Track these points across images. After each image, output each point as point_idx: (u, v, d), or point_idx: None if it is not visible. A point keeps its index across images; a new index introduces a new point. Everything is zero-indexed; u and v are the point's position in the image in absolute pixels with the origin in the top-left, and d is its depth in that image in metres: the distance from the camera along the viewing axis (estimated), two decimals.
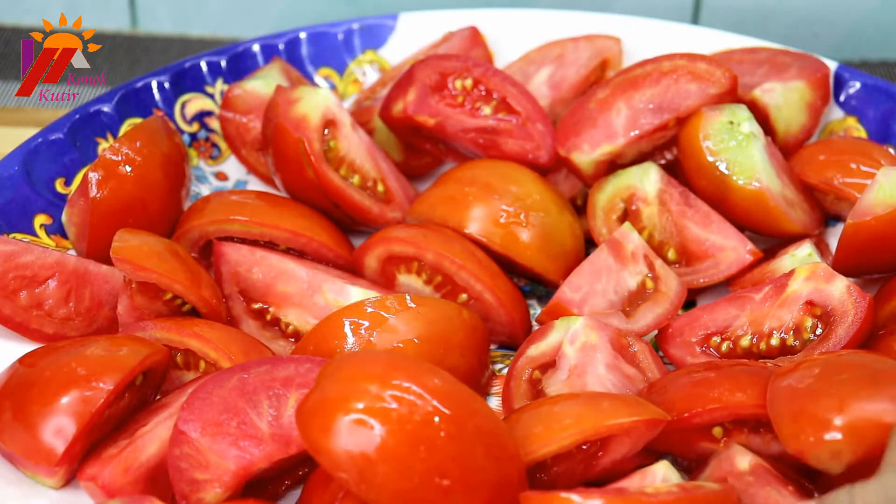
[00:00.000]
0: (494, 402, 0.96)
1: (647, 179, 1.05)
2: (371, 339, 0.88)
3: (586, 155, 1.06)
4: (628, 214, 1.05)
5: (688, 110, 1.05)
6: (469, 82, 1.10)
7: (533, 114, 1.09)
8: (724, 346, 0.95)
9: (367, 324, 0.89)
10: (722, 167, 1.02)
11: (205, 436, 0.79)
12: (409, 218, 1.07)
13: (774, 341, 0.93)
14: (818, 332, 0.92)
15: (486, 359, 0.97)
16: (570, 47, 1.22)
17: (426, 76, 1.10)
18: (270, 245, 1.04)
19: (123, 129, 1.13)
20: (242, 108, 1.14)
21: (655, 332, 0.98)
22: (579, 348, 0.90)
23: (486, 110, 1.10)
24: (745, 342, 0.94)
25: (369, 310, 0.90)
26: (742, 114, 1.03)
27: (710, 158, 1.02)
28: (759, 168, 1.02)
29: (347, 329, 0.89)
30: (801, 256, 1.00)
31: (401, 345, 0.89)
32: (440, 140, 1.12)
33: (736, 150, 1.02)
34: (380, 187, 1.09)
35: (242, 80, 1.17)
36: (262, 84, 1.15)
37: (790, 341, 0.92)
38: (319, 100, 1.07)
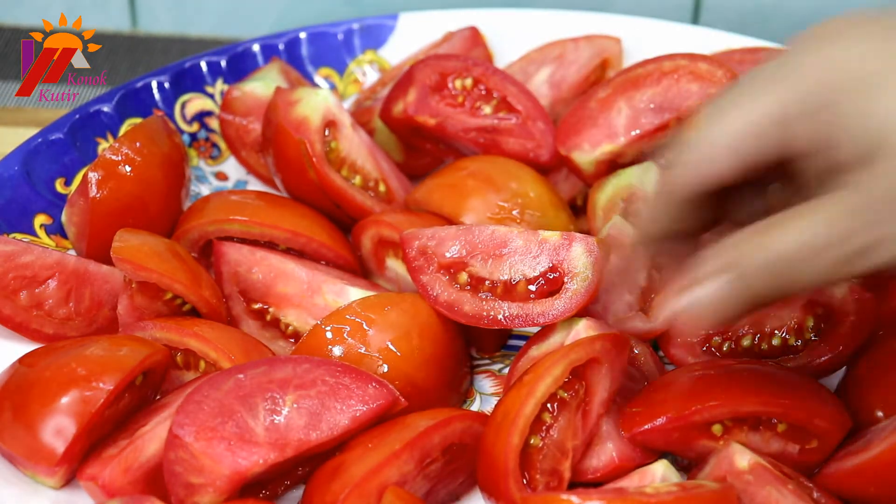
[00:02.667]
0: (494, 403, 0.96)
1: (648, 179, 1.05)
2: (358, 347, 0.90)
3: (587, 154, 1.06)
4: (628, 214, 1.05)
5: (689, 110, 1.05)
6: (469, 82, 1.10)
7: (533, 112, 1.09)
8: (725, 347, 0.95)
9: (350, 329, 0.90)
10: None
11: (199, 440, 0.79)
12: (409, 203, 1.07)
13: (776, 341, 0.93)
14: (820, 331, 0.92)
15: (465, 349, 0.98)
16: (570, 47, 1.22)
17: (426, 76, 1.10)
18: (270, 245, 1.04)
19: (123, 129, 1.13)
20: (242, 109, 1.14)
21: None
22: None
23: (487, 109, 1.10)
24: (746, 342, 0.94)
25: (353, 318, 0.91)
26: None
27: None
28: None
29: (332, 336, 0.90)
30: None
31: (378, 356, 0.90)
32: (441, 140, 1.12)
33: None
34: (381, 187, 1.09)
35: (241, 81, 1.17)
36: (262, 85, 1.15)
37: (792, 341, 0.92)
38: (319, 101, 1.07)
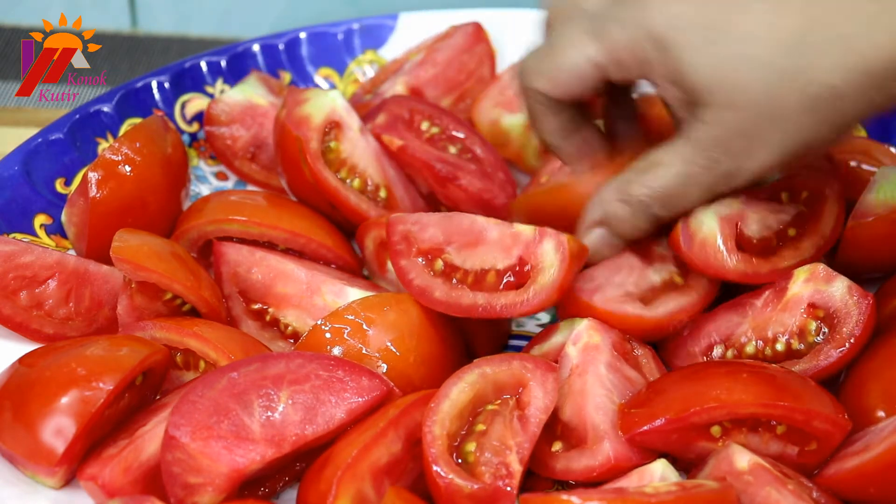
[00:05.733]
0: None
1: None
2: (357, 346, 0.90)
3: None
4: None
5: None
6: (436, 129, 1.11)
7: (495, 164, 1.10)
8: (728, 354, 0.94)
9: (350, 329, 0.90)
10: None
11: (195, 440, 0.79)
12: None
13: (780, 346, 0.92)
14: (823, 334, 0.91)
15: (464, 350, 0.98)
16: None
17: (398, 109, 1.11)
18: (270, 245, 1.04)
19: (123, 129, 1.13)
20: (224, 119, 1.15)
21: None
22: (582, 349, 0.90)
23: (452, 150, 1.11)
24: (749, 349, 0.93)
25: (352, 317, 0.91)
26: None
27: None
28: None
29: (332, 336, 0.90)
30: None
31: (377, 355, 0.90)
32: (403, 165, 1.11)
33: None
34: (382, 193, 1.08)
35: (220, 96, 1.17)
36: (238, 92, 1.15)
37: (795, 345, 0.92)
38: (326, 101, 1.07)
